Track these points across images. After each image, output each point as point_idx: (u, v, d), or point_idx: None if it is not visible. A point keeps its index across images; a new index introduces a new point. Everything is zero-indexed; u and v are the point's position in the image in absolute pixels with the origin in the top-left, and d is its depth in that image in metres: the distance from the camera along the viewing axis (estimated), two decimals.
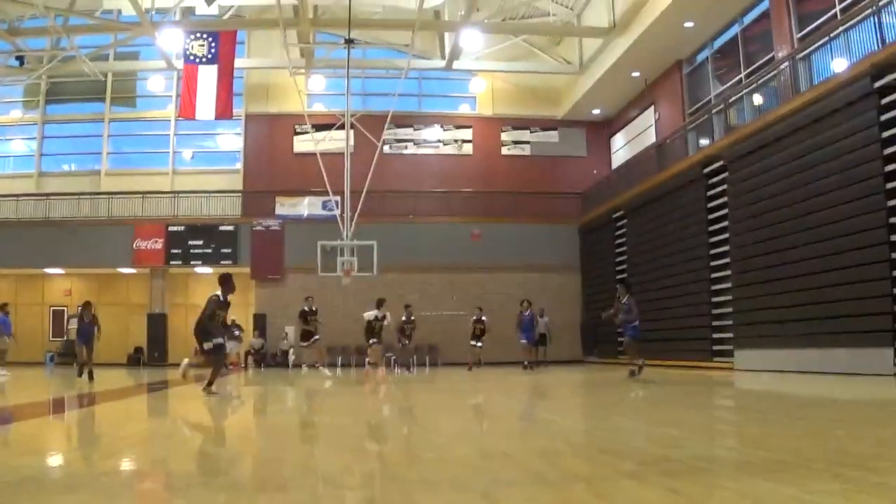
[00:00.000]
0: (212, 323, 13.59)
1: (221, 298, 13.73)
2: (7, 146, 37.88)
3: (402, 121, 35.82)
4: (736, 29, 26.10)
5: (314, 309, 23.00)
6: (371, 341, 23.43)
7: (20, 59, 31.95)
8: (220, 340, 13.72)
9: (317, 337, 23.01)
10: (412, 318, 25.12)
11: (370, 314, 23.05)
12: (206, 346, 13.62)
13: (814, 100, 18.57)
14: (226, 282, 13.89)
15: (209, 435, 8.78)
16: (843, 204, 17.25)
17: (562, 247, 34.70)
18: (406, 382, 18.81)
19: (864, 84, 16.65)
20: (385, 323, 23.21)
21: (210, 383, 13.54)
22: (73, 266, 34.73)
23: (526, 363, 26.04)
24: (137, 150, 37.73)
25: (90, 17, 30.95)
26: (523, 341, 26.17)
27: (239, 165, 37.14)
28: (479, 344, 25.90)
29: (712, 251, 23.79)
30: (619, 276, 28.86)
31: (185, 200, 34.90)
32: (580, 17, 33.06)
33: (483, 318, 26.23)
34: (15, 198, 34.40)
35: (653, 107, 32.23)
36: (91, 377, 19.48)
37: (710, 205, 24.07)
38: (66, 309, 35.10)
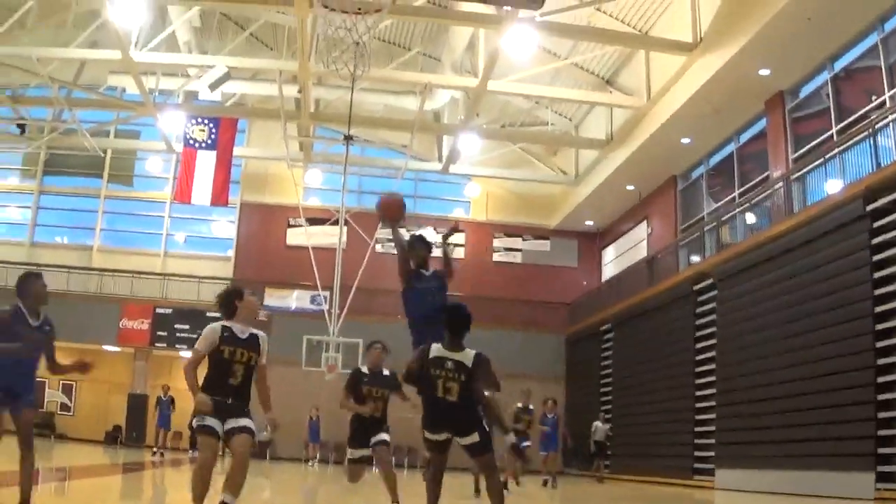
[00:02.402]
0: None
1: (365, 372, 10.23)
2: (2, 213, 37.97)
3: None
4: (732, 147, 26.28)
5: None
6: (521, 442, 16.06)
7: (21, 127, 31.85)
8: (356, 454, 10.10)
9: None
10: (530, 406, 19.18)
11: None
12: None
13: (806, 221, 18.63)
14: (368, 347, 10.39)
15: None
16: (831, 326, 17.11)
17: (546, 356, 34.21)
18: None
19: (856, 206, 16.67)
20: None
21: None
22: (57, 339, 33.97)
23: (546, 478, 21.89)
24: (131, 230, 37.72)
25: (94, 92, 31.32)
26: (542, 451, 21.80)
27: (231, 253, 37.13)
28: (527, 443, 18.14)
29: (698, 368, 23.53)
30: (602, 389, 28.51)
31: (175, 283, 34.66)
32: (578, 128, 33.48)
33: (530, 406, 19.10)
34: (5, 265, 34.10)
35: (646, 221, 32.33)
36: None
37: (699, 322, 23.97)
38: (46, 381, 34.77)
